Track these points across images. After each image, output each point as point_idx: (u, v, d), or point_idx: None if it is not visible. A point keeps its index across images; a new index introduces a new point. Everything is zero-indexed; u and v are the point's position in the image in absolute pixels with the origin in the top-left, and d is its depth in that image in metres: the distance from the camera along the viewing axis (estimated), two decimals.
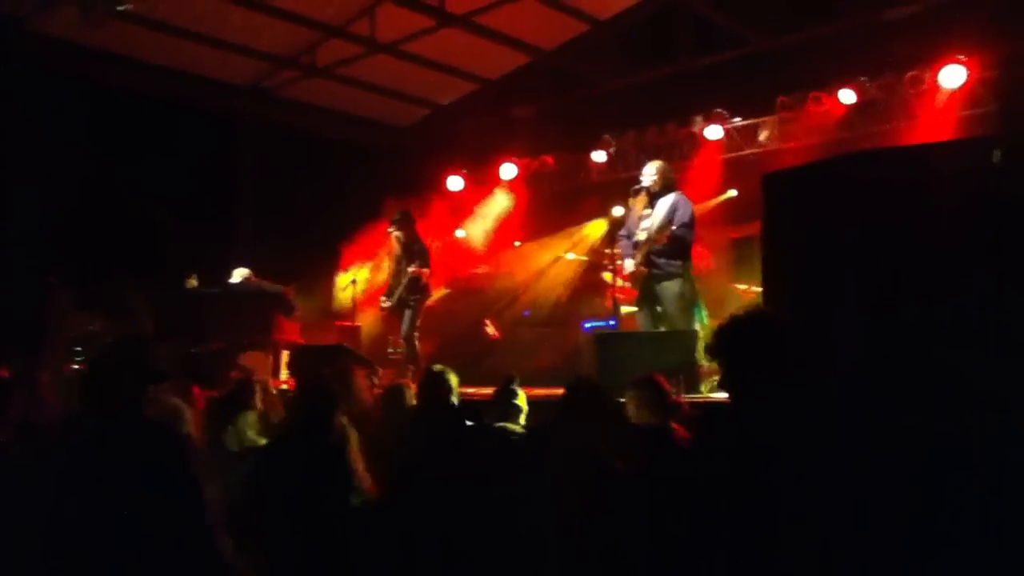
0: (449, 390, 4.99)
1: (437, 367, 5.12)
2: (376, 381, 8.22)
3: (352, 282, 9.41)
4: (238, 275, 9.79)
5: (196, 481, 3.19)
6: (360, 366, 8.17)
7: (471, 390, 6.45)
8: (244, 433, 5.10)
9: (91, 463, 3.02)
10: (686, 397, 6.00)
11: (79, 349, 8.57)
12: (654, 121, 11.35)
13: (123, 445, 3.05)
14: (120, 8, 8.55)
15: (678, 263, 7.31)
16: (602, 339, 7.86)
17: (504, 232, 12.72)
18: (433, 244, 9.82)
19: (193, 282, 9.31)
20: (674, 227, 7.20)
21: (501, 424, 4.82)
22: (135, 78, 10.74)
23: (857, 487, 2.44)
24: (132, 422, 3.15)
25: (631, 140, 11.51)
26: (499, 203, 12.60)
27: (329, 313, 11.06)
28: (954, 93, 9.21)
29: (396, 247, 8.86)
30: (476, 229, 12.67)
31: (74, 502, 2.93)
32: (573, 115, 11.99)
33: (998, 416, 2.82)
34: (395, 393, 5.50)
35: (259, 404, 5.46)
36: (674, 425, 4.34)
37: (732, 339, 2.82)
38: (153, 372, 3.31)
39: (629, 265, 7.48)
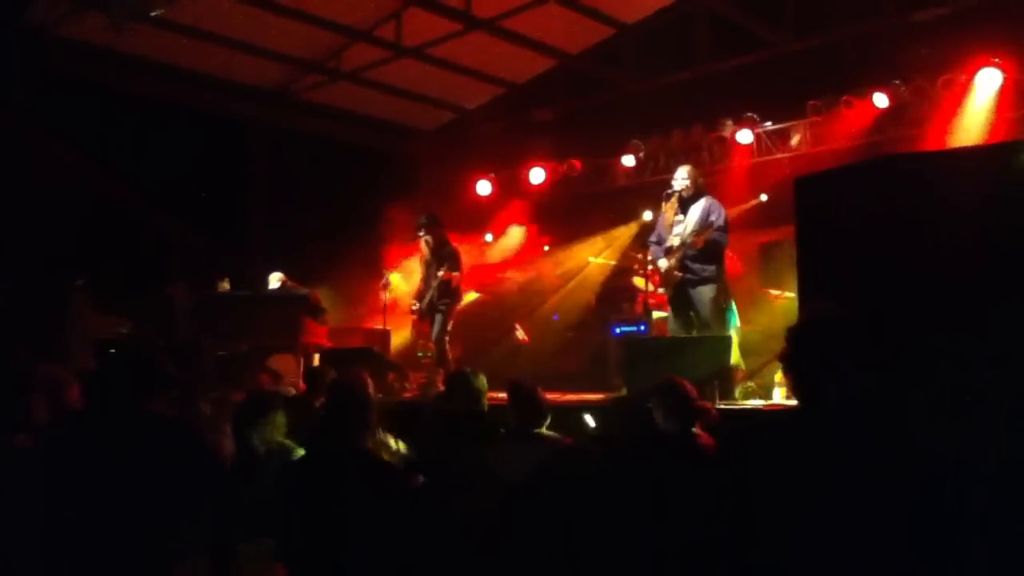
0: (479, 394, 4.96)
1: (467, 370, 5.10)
2: (406, 384, 8.24)
3: (383, 285, 9.37)
4: (274, 279, 9.82)
5: (202, 481, 3.21)
6: (389, 369, 8.21)
7: (502, 395, 6.40)
8: (271, 434, 5.08)
9: (88, 460, 3.03)
10: (720, 404, 5.89)
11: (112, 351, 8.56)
12: (681, 126, 11.30)
13: (124, 443, 3.06)
14: (153, 14, 8.58)
15: (712, 267, 7.23)
16: (631, 344, 7.77)
17: (533, 236, 12.72)
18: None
19: (225, 285, 9.34)
20: (712, 230, 7.13)
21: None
22: (157, 82, 10.72)
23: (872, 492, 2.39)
24: (135, 421, 3.13)
25: (657, 144, 11.47)
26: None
27: (356, 317, 11.04)
28: (989, 96, 9.08)
29: (426, 251, 8.80)
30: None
31: (70, 498, 2.96)
32: (599, 119, 11.94)
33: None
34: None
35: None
36: (699, 431, 4.25)
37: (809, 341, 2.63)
38: (161, 376, 3.29)
39: (663, 264, 7.38)
